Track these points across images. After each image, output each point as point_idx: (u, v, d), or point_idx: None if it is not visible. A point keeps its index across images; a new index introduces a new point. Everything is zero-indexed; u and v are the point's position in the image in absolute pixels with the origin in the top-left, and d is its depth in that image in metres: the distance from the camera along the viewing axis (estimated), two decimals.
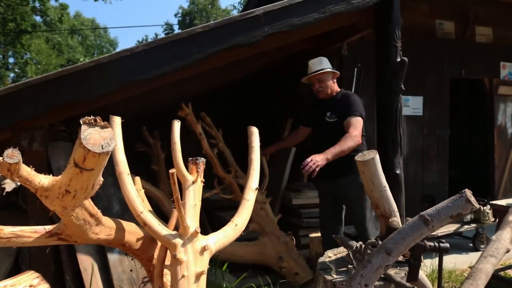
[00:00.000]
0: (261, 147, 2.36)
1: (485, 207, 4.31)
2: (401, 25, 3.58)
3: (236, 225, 2.02)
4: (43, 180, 1.34)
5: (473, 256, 3.97)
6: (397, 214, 2.34)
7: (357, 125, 3.01)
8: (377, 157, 2.01)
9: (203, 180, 2.05)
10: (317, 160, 2.74)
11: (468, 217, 4.36)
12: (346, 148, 2.90)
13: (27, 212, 3.17)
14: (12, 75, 23.56)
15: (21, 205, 3.78)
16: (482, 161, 5.93)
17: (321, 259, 1.95)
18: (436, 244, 1.84)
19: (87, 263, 2.93)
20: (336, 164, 2.95)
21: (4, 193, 5.10)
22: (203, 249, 1.81)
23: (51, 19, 21.37)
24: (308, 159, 2.73)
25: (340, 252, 2.06)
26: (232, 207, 2.97)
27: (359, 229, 3.17)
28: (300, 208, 4.38)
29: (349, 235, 3.43)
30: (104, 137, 1.17)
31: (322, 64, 3.24)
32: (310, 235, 3.91)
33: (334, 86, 3.28)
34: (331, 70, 3.25)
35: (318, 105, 3.36)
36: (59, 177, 1.32)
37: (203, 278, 1.79)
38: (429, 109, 5.17)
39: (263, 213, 3.70)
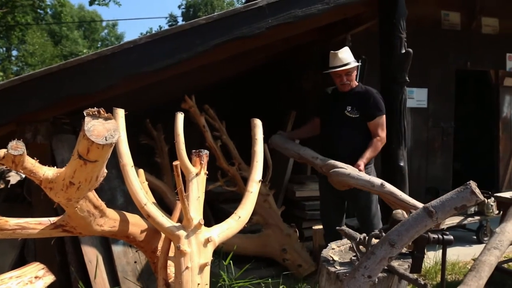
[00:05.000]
0: (265, 139, 2.36)
1: (489, 200, 4.28)
2: (406, 16, 3.54)
3: (239, 217, 2.02)
4: (48, 172, 1.35)
5: (476, 249, 3.96)
6: (304, 151, 3.07)
7: (384, 125, 3.09)
8: (275, 135, 3.35)
9: (207, 172, 2.05)
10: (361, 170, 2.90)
11: (472, 209, 4.34)
12: (378, 151, 3.07)
13: (32, 204, 3.19)
14: (15, 68, 23.58)
15: (26, 198, 3.80)
16: (487, 153, 5.89)
17: (324, 251, 1.96)
18: (440, 236, 1.84)
19: (91, 255, 2.95)
20: (344, 158, 2.93)
21: (9, 186, 5.14)
22: (207, 241, 1.82)
23: (55, 12, 21.34)
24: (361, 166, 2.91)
25: (343, 244, 2.06)
26: (236, 200, 2.97)
27: (364, 223, 3.15)
28: (303, 201, 4.38)
29: (352, 227, 3.43)
30: (108, 128, 1.17)
31: (350, 55, 3.10)
32: (313, 227, 3.91)
33: (355, 79, 3.21)
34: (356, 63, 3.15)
35: (334, 97, 3.22)
36: (63, 169, 1.33)
37: (207, 270, 1.80)
38: (434, 101, 5.14)
39: (267, 206, 3.70)
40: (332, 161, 2.92)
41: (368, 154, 2.99)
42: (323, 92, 3.39)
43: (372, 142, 3.04)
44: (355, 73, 3.16)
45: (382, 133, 3.07)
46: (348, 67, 3.05)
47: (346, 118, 3.07)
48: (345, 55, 3.08)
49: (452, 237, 1.87)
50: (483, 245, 2.44)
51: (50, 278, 1.73)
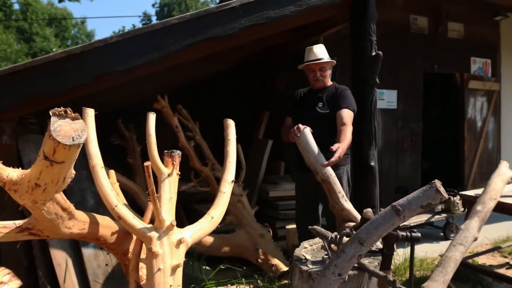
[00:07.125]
0: (237, 139, 2.34)
1: (455, 198, 4.44)
2: (376, 20, 3.62)
3: (212, 217, 2.02)
4: (12, 173, 1.30)
5: (443, 245, 4.10)
6: (335, 179, 2.56)
7: (351, 119, 2.92)
8: (307, 130, 2.59)
9: (179, 173, 2.04)
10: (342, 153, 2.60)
11: (439, 207, 4.49)
12: (350, 138, 2.80)
13: None
14: None
15: None
16: (453, 153, 6.11)
17: (297, 250, 1.98)
18: (408, 233, 1.89)
19: (60, 258, 2.87)
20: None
21: None
22: (179, 242, 1.81)
23: (22, 10, 20.66)
24: (338, 152, 2.55)
25: (315, 243, 2.09)
26: (209, 200, 2.96)
27: (333, 225, 3.15)
28: (277, 201, 4.41)
29: (325, 227, 3.46)
30: (75, 129, 1.14)
31: (325, 52, 3.12)
32: (286, 227, 3.95)
33: (329, 77, 3.21)
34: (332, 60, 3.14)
35: (306, 96, 3.20)
36: (29, 170, 1.29)
37: (179, 271, 1.78)
38: (403, 103, 5.28)
39: (240, 206, 3.71)
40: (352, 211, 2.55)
41: (344, 143, 2.70)
42: (296, 93, 3.35)
43: (340, 130, 2.82)
44: (329, 71, 3.17)
45: (349, 123, 2.86)
46: (322, 61, 3.07)
47: (317, 114, 3.03)
48: (320, 50, 3.11)
49: (420, 235, 1.93)
50: (450, 241, 2.53)
51: (16, 283, 1.67)
